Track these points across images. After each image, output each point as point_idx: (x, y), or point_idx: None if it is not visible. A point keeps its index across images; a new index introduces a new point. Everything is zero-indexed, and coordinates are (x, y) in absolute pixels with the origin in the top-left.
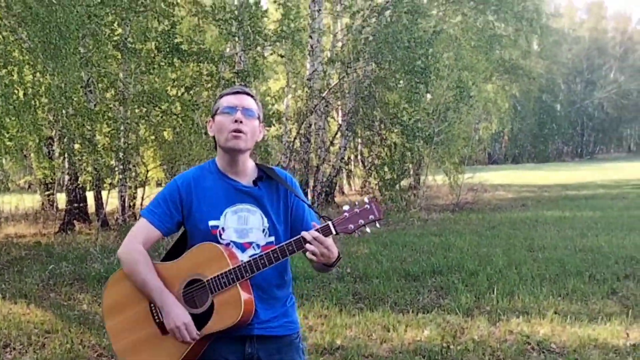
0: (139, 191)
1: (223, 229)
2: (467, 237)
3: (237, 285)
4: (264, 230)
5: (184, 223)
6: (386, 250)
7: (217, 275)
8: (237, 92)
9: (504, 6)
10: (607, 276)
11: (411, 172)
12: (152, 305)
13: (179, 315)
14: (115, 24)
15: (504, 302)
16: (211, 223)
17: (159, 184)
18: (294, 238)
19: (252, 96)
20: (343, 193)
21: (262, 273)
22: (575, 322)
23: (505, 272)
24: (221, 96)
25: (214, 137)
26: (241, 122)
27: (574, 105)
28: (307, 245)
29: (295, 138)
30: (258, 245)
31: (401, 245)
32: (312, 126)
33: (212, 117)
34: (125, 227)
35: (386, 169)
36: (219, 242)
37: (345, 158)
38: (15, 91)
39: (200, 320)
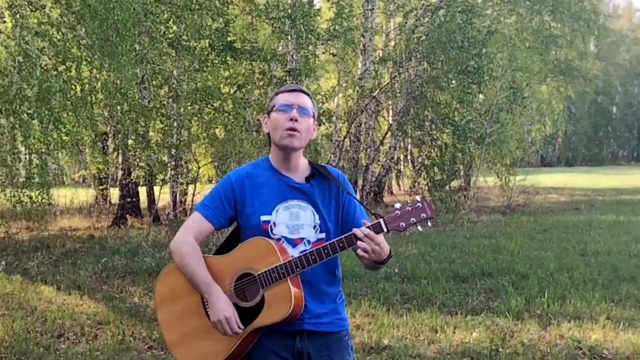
0: (190, 187)
1: (274, 224)
2: (517, 239)
3: (288, 280)
4: (315, 226)
5: (237, 218)
6: (435, 251)
7: (268, 270)
8: (293, 90)
9: (560, 6)
10: None
11: (462, 173)
12: (204, 297)
13: (221, 308)
14: (170, 22)
15: (555, 306)
16: (263, 218)
17: (210, 181)
18: (345, 235)
19: (307, 94)
20: (392, 193)
21: (312, 269)
22: (628, 329)
23: (557, 276)
24: (277, 93)
25: (268, 134)
26: (296, 120)
27: (631, 108)
28: (358, 242)
29: (345, 137)
30: (309, 242)
31: (450, 247)
32: (362, 125)
33: (268, 113)
34: (177, 223)
35: (436, 169)
36: (270, 237)
37: (395, 158)
38: (73, 87)
39: (250, 313)
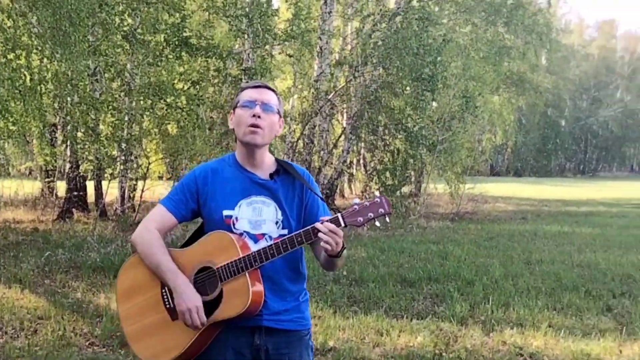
0: (140, 183)
1: (237, 218)
2: (465, 246)
3: (246, 274)
4: (277, 222)
5: (200, 212)
6: (383, 256)
7: (227, 264)
8: (258, 87)
9: (514, 18)
10: (603, 292)
11: (413, 179)
12: (163, 291)
13: (191, 298)
14: (125, 14)
15: (499, 313)
16: (225, 212)
17: (160, 177)
18: (303, 229)
19: (273, 90)
20: (343, 196)
21: (273, 264)
22: (569, 337)
23: (502, 283)
24: (242, 89)
25: (233, 130)
26: (259, 116)
27: (579, 122)
28: (321, 235)
29: (298, 139)
30: (270, 237)
31: (399, 251)
32: (316, 128)
33: (233, 109)
34: (124, 218)
35: (388, 174)
36: (232, 232)
37: (348, 161)
38: (22, 76)
39: (209, 307)
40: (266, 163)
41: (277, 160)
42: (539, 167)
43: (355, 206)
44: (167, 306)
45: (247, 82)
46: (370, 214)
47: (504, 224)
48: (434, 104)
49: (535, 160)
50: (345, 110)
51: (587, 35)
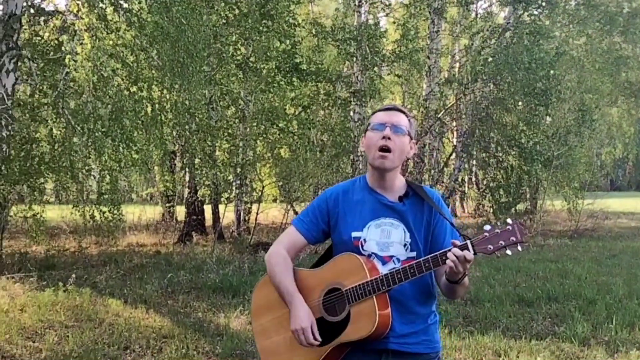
0: (254, 207)
1: (365, 240)
2: (585, 264)
3: (374, 297)
4: (405, 245)
5: (330, 233)
6: (499, 275)
7: (355, 286)
8: (389, 109)
9: (631, 27)
10: None
11: (528, 196)
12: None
13: (300, 318)
14: (238, 44)
15: (624, 333)
16: (354, 234)
17: (274, 200)
18: (432, 254)
19: (404, 112)
20: (456, 215)
21: (401, 287)
22: None
23: (626, 303)
24: (373, 113)
25: (365, 153)
26: (389, 138)
27: None
28: (449, 262)
29: (409, 158)
30: (399, 260)
31: (515, 270)
32: (427, 146)
33: (364, 132)
34: (240, 240)
35: (501, 191)
36: (360, 253)
37: (459, 179)
38: (144, 107)
39: (337, 328)
40: (396, 185)
41: (407, 182)
42: None
43: (486, 233)
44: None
45: (356, 104)
46: (502, 242)
47: (626, 241)
48: (548, 118)
49: None
50: (455, 128)
51: None
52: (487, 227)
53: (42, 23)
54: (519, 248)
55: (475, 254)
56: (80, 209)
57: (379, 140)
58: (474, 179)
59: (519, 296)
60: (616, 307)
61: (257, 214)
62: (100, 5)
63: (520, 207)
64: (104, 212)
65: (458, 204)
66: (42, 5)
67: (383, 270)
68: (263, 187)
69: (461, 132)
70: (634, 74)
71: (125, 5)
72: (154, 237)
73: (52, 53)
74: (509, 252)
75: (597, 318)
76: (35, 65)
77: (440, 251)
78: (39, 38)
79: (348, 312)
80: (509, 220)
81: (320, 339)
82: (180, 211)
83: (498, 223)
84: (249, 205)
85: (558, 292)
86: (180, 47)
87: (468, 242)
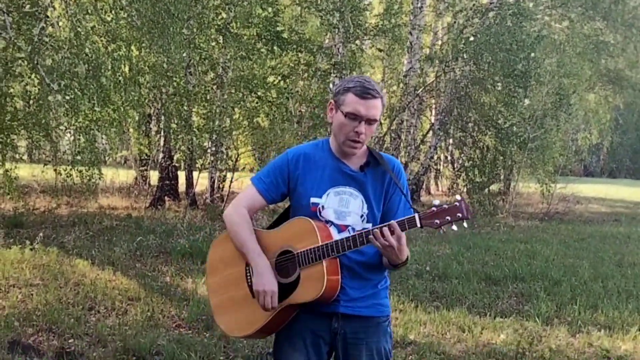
0: (229, 175)
1: (323, 207)
2: (554, 246)
3: (323, 262)
4: (362, 215)
5: (289, 196)
6: (468, 253)
7: (306, 250)
8: (366, 97)
9: (613, 13)
10: None
11: (502, 177)
12: (247, 268)
13: (268, 281)
14: (219, 9)
15: (586, 315)
16: (312, 200)
17: (250, 170)
18: (381, 225)
19: (380, 97)
20: (429, 193)
21: (353, 253)
22: None
23: (590, 285)
24: (348, 90)
25: (331, 123)
26: (362, 132)
27: None
28: (374, 242)
29: (385, 133)
30: (354, 229)
31: (484, 249)
32: (404, 123)
33: (335, 102)
34: (212, 208)
35: (476, 171)
36: (317, 219)
37: (435, 157)
38: (122, 66)
39: (286, 289)
40: (359, 153)
41: (369, 149)
42: (635, 169)
43: (434, 208)
44: (249, 283)
45: (336, 76)
46: (448, 217)
47: (596, 226)
48: (527, 100)
49: (632, 161)
50: (434, 105)
51: None
52: (436, 202)
53: None
54: (465, 224)
55: (422, 226)
56: (58, 169)
57: (351, 132)
58: (449, 157)
59: (486, 274)
60: (581, 289)
61: (231, 182)
62: None
63: (494, 187)
64: (80, 172)
65: (432, 182)
66: None
67: (338, 238)
68: (238, 155)
69: (439, 110)
70: (613, 61)
71: None
72: (126, 201)
73: (28, 6)
74: (454, 227)
75: (562, 299)
76: (11, 19)
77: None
78: None
79: (298, 275)
80: (457, 197)
81: (277, 305)
82: (154, 176)
83: (447, 200)
84: (223, 173)
85: (525, 272)
86: (160, 8)
87: (416, 215)
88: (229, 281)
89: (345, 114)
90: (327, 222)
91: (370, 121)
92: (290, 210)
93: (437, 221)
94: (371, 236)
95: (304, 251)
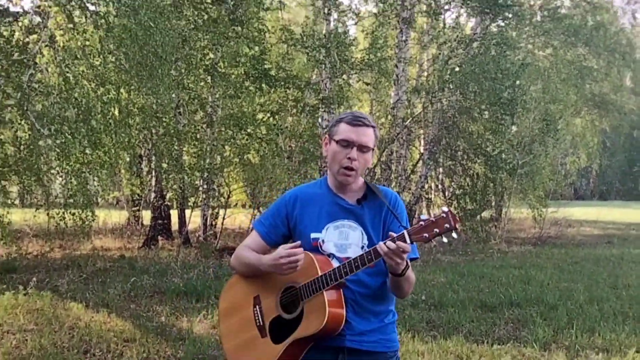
0: (221, 212)
1: (323, 241)
2: (548, 271)
3: (324, 292)
4: (362, 247)
5: (292, 236)
6: (463, 280)
7: (308, 282)
8: (357, 124)
9: (595, 39)
10: None
11: (493, 204)
12: (254, 310)
13: (274, 256)
14: (207, 49)
15: (583, 338)
16: (313, 235)
17: (242, 206)
18: (372, 247)
19: (371, 126)
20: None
21: (357, 286)
22: None
23: (586, 308)
24: (340, 120)
25: (326, 157)
26: (355, 159)
27: None
28: (380, 246)
29: (376, 165)
30: None
31: (479, 276)
32: (394, 154)
33: (328, 135)
34: (206, 245)
35: (467, 199)
36: (319, 253)
37: (426, 187)
38: (112, 109)
39: (292, 325)
40: (356, 187)
41: (366, 184)
42: (625, 191)
43: (422, 222)
44: (258, 324)
45: (324, 111)
46: (437, 230)
47: (589, 248)
48: (514, 127)
49: (621, 183)
50: (422, 136)
51: None
52: (423, 217)
53: (7, 24)
54: (453, 235)
55: (412, 242)
56: (51, 212)
57: (344, 159)
58: (440, 186)
59: (481, 301)
60: (577, 313)
61: (223, 219)
62: (67, 6)
63: (486, 214)
64: (73, 214)
65: (425, 211)
66: (7, 6)
67: None
68: (230, 192)
69: (428, 140)
70: (597, 86)
71: (92, 8)
72: (119, 242)
73: (17, 54)
74: (444, 239)
75: (558, 323)
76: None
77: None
78: (3, 38)
79: (302, 309)
80: (444, 209)
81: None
82: (146, 215)
83: (433, 213)
84: (216, 210)
85: (520, 297)
86: (148, 51)
87: (405, 231)
88: (239, 325)
89: (338, 141)
90: (329, 255)
91: (362, 148)
92: None
93: (426, 235)
94: (382, 249)
95: (305, 284)
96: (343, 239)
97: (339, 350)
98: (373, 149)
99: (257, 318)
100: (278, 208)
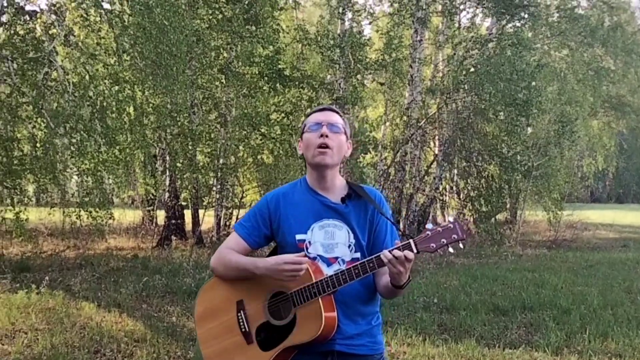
0: (235, 212)
1: (310, 242)
2: (562, 274)
3: (319, 299)
4: (349, 245)
5: (274, 237)
6: (476, 283)
7: (300, 289)
8: (323, 109)
9: (612, 39)
10: None
11: (508, 206)
12: (238, 315)
13: (276, 261)
14: (221, 49)
15: (596, 343)
16: (298, 237)
17: None
18: (375, 255)
19: (337, 112)
20: (436, 223)
21: (346, 287)
22: None
23: (600, 313)
24: (308, 115)
25: (303, 156)
26: (327, 136)
27: None
28: (384, 254)
29: (390, 166)
30: (343, 261)
31: (492, 279)
32: (408, 155)
33: (301, 136)
34: (219, 245)
35: (482, 201)
36: (306, 256)
37: (440, 188)
38: (127, 107)
39: (283, 332)
40: (337, 186)
41: (348, 183)
42: None
43: (428, 232)
44: (243, 330)
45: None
46: (443, 240)
47: (604, 252)
48: (529, 129)
49: (638, 186)
50: (437, 137)
51: None
52: (429, 226)
53: (23, 23)
54: (461, 245)
55: (418, 252)
56: (67, 211)
57: (317, 139)
58: (454, 188)
59: (494, 305)
60: (590, 317)
61: (237, 219)
62: (83, 4)
63: (500, 216)
64: (90, 213)
65: (439, 213)
66: (23, 5)
67: (328, 271)
68: (243, 192)
69: (442, 141)
70: (614, 88)
71: (107, 7)
72: (132, 241)
73: (32, 52)
74: (451, 249)
75: (571, 327)
76: (16, 65)
77: (382, 252)
78: (19, 37)
79: (294, 316)
80: (451, 219)
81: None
82: (160, 215)
83: (440, 222)
84: (229, 210)
85: (533, 301)
86: (162, 50)
87: (411, 241)
88: (220, 330)
89: (308, 128)
90: (316, 257)
91: (332, 127)
92: (278, 251)
93: (433, 245)
94: (387, 257)
95: (298, 290)
96: (329, 239)
97: (327, 353)
98: (346, 136)
99: (241, 323)
100: (260, 209)
